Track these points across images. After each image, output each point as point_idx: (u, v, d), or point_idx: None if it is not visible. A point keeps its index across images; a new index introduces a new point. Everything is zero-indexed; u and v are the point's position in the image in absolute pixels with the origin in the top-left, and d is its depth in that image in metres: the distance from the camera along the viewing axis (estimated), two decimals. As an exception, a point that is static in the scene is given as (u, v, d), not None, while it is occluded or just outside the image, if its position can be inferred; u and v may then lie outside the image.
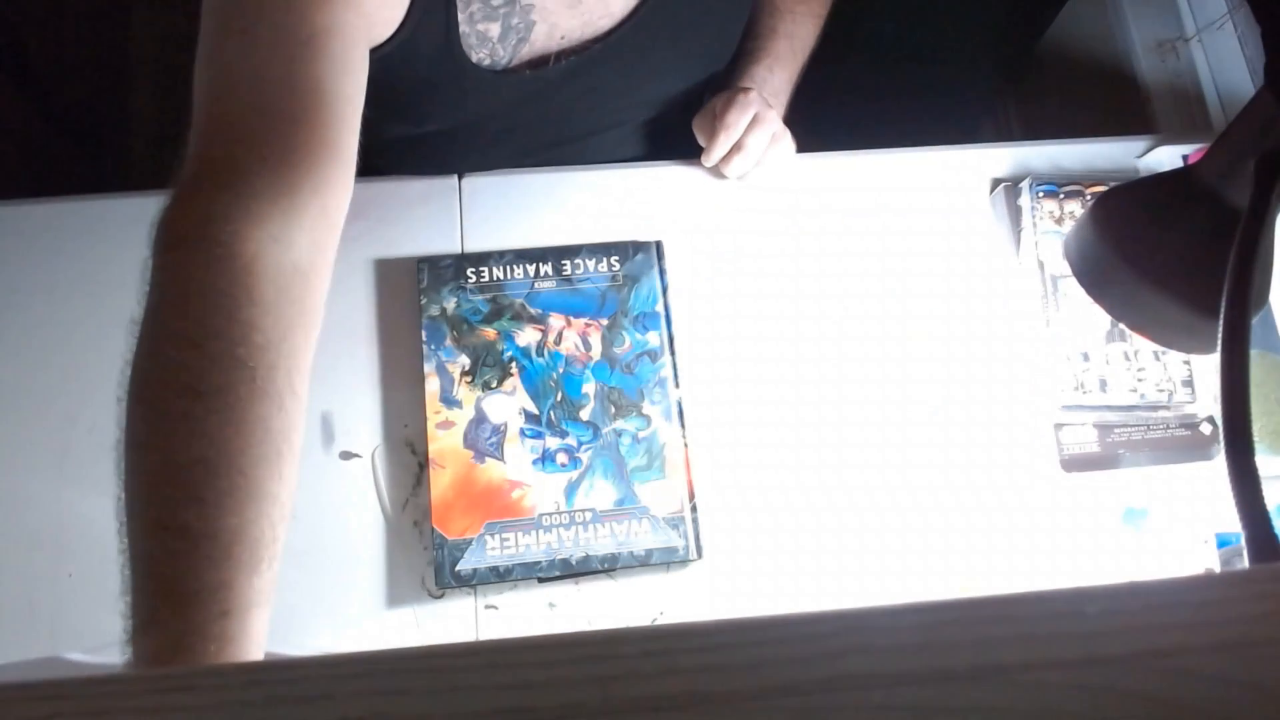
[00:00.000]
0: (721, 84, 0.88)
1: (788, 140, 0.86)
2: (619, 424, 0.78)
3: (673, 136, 0.95)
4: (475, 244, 0.85)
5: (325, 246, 0.56)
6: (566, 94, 0.81)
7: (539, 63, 0.76)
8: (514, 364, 0.79)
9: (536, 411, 0.78)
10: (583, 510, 0.75)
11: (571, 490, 0.76)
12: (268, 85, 0.53)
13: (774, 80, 0.88)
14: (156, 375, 0.47)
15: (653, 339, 0.81)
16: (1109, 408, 0.78)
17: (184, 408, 0.46)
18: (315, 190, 0.54)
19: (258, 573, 0.47)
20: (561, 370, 0.79)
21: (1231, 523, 0.79)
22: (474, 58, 0.73)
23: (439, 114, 0.79)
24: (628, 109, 0.88)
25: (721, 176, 0.86)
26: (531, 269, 0.82)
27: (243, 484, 0.47)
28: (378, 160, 0.84)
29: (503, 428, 0.77)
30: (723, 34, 0.86)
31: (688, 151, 0.89)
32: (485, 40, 0.73)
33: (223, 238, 0.50)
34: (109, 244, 0.83)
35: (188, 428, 0.46)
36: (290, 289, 0.52)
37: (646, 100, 0.88)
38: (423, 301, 0.80)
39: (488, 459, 0.76)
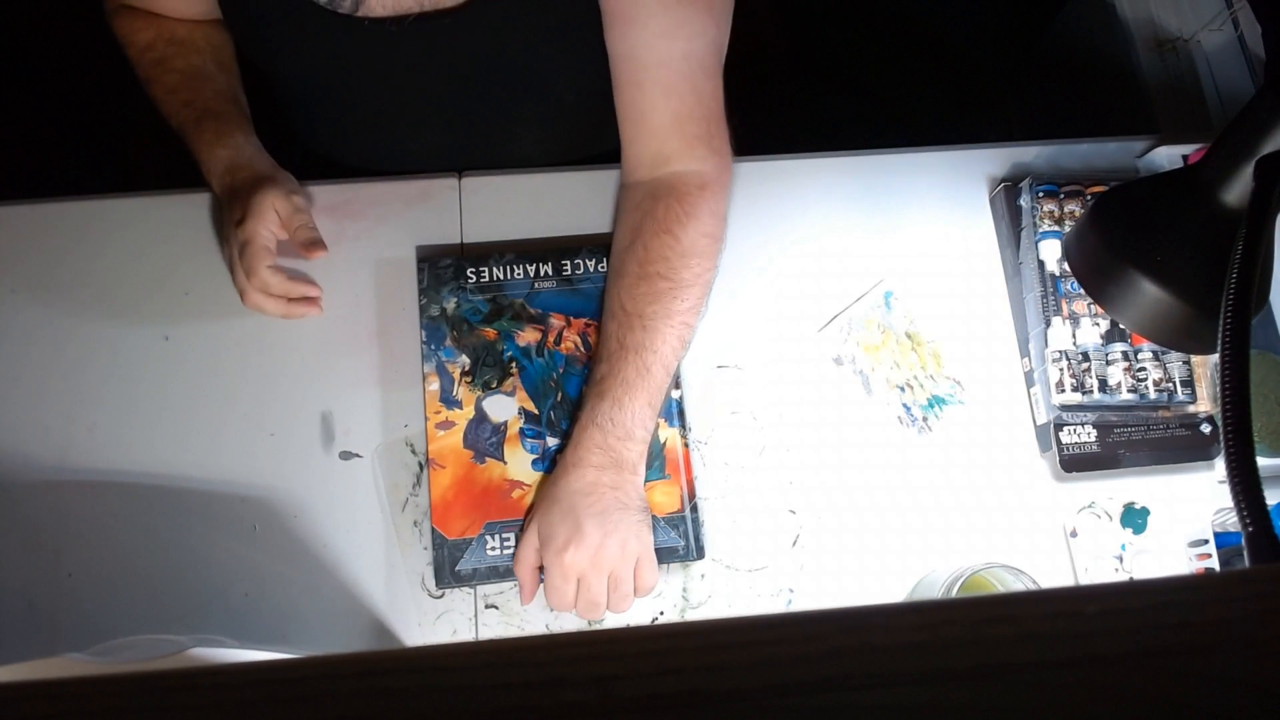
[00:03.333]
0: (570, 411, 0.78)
1: (646, 559, 0.72)
2: None
3: (571, 145, 0.92)
4: (475, 244, 0.85)
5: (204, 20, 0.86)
6: (419, 66, 0.78)
7: (384, 22, 0.74)
8: (514, 364, 0.79)
9: (537, 412, 0.78)
10: None
11: None
12: None
13: (622, 417, 0.73)
14: (144, 68, 0.84)
15: None
16: (1109, 408, 0.78)
17: (160, 70, 0.83)
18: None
19: (234, 105, 0.83)
20: (562, 370, 0.79)
21: (1231, 523, 0.79)
22: None
23: (285, 53, 0.79)
24: (499, 104, 0.84)
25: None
26: (531, 269, 0.82)
27: (209, 77, 0.83)
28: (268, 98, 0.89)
29: (503, 428, 0.77)
30: (591, 41, 0.76)
31: (586, 153, 0.89)
32: None
33: (128, 8, 0.85)
34: (109, 244, 0.83)
35: (166, 72, 0.83)
36: (208, 27, 0.86)
37: (521, 96, 0.83)
38: (422, 302, 0.80)
39: (488, 459, 0.76)
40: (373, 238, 0.84)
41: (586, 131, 0.91)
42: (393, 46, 0.76)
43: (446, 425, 0.77)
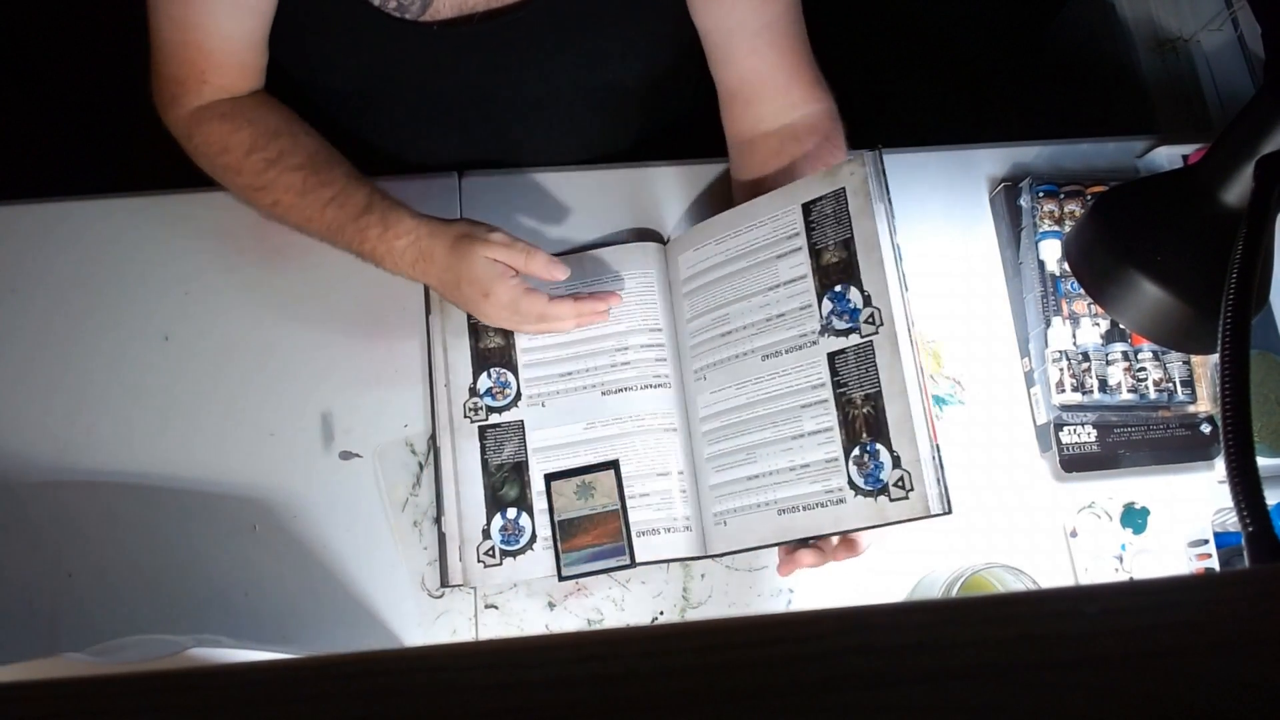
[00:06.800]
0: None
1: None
2: None
3: (649, 132, 0.93)
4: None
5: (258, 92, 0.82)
6: (486, 64, 0.79)
7: (455, 22, 0.75)
8: None
9: None
10: None
11: None
12: (182, 28, 0.76)
13: None
14: (250, 175, 0.77)
15: None
16: (1109, 408, 0.78)
17: (275, 171, 0.77)
18: (237, 86, 0.79)
19: (369, 182, 0.78)
20: None
21: (1231, 523, 0.79)
22: (376, 0, 0.73)
23: (343, 63, 0.79)
24: (562, 92, 0.85)
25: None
26: None
27: (330, 161, 0.78)
28: (311, 109, 0.84)
29: None
30: (655, 26, 0.80)
31: (686, 150, 0.89)
32: None
33: (210, 111, 0.78)
34: (109, 244, 0.83)
35: (286, 172, 0.76)
36: (262, 96, 0.80)
37: (584, 84, 0.84)
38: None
39: None
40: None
41: (649, 116, 0.91)
42: (459, 47, 0.77)
43: None
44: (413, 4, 0.73)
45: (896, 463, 0.66)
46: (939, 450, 0.65)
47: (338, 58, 0.79)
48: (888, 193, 0.70)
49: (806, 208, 0.73)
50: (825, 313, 0.71)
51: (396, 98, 0.83)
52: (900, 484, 0.65)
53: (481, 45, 0.77)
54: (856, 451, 0.68)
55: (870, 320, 0.69)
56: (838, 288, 0.71)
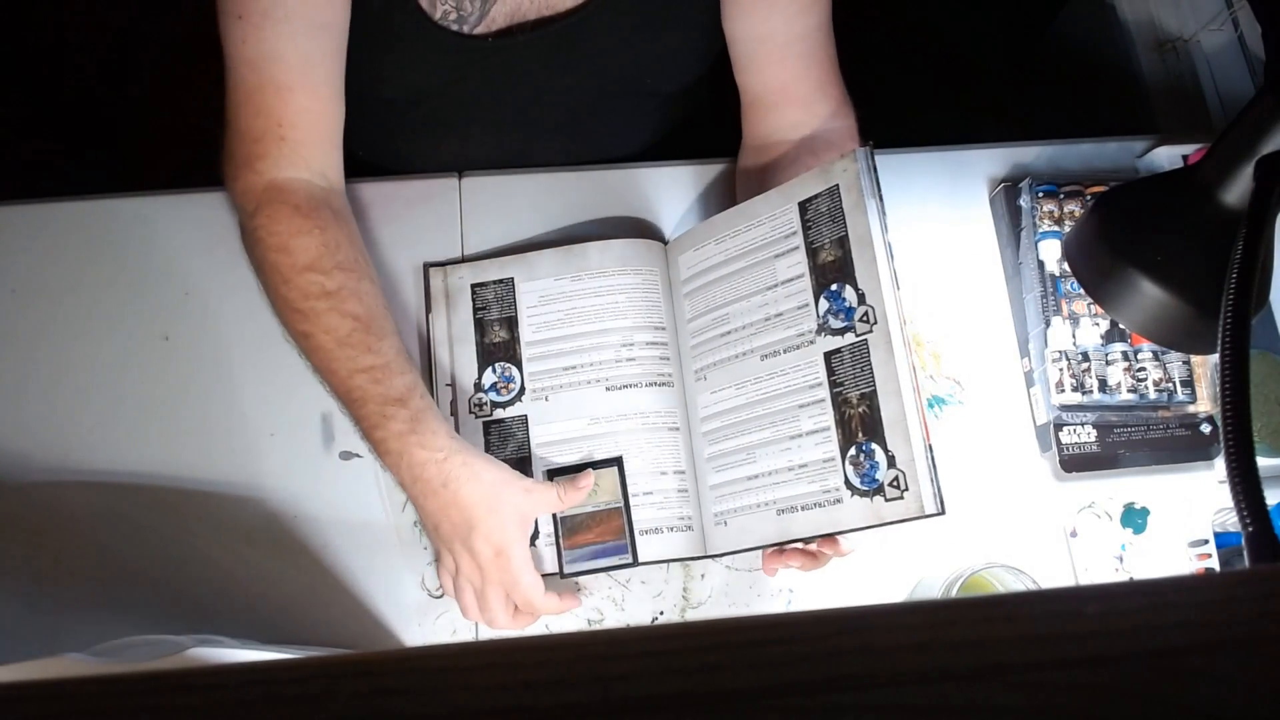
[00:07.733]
0: None
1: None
2: None
3: (670, 132, 0.93)
4: (476, 244, 0.85)
5: (335, 177, 0.77)
6: (531, 72, 0.79)
7: (508, 32, 0.76)
8: None
9: None
10: None
11: None
12: (258, 65, 0.71)
13: None
14: (297, 292, 0.71)
15: None
16: (1109, 408, 0.78)
17: (327, 304, 0.70)
18: (315, 148, 0.74)
19: (416, 370, 0.73)
20: None
21: (1231, 523, 0.79)
22: (436, 15, 0.73)
23: (397, 75, 0.78)
24: (599, 99, 0.85)
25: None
26: None
27: (385, 328, 0.72)
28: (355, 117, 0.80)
29: None
30: (692, 33, 0.81)
31: (687, 151, 0.89)
32: None
33: (284, 196, 0.72)
34: (109, 244, 0.83)
35: (337, 312, 0.70)
36: (340, 209, 0.76)
37: (620, 92, 0.85)
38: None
39: None
40: (371, 237, 0.84)
41: (672, 119, 0.92)
42: (509, 57, 0.77)
43: None
44: (470, 15, 0.73)
45: (891, 462, 0.66)
46: (932, 450, 0.65)
47: (392, 70, 0.77)
48: (879, 189, 0.70)
49: (803, 206, 0.73)
50: (822, 312, 0.71)
51: (441, 108, 0.82)
52: (895, 484, 0.65)
53: (528, 54, 0.77)
54: (853, 451, 0.68)
55: (865, 319, 0.69)
56: (833, 286, 0.71)
